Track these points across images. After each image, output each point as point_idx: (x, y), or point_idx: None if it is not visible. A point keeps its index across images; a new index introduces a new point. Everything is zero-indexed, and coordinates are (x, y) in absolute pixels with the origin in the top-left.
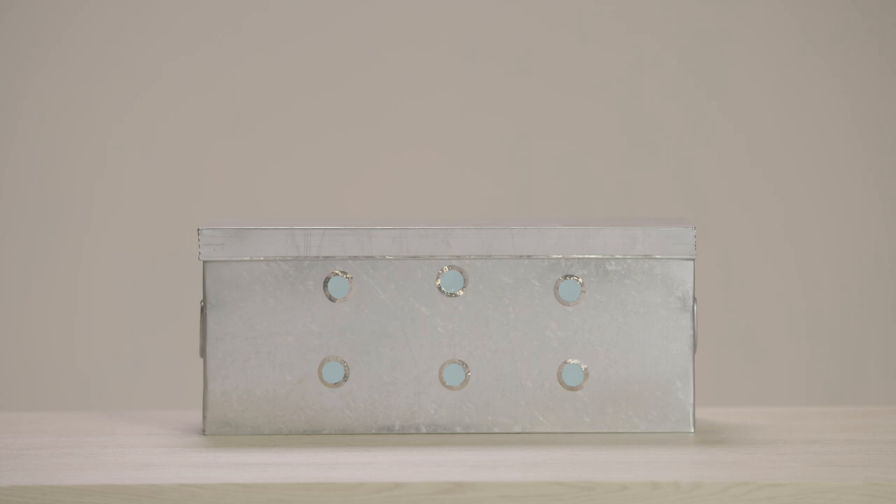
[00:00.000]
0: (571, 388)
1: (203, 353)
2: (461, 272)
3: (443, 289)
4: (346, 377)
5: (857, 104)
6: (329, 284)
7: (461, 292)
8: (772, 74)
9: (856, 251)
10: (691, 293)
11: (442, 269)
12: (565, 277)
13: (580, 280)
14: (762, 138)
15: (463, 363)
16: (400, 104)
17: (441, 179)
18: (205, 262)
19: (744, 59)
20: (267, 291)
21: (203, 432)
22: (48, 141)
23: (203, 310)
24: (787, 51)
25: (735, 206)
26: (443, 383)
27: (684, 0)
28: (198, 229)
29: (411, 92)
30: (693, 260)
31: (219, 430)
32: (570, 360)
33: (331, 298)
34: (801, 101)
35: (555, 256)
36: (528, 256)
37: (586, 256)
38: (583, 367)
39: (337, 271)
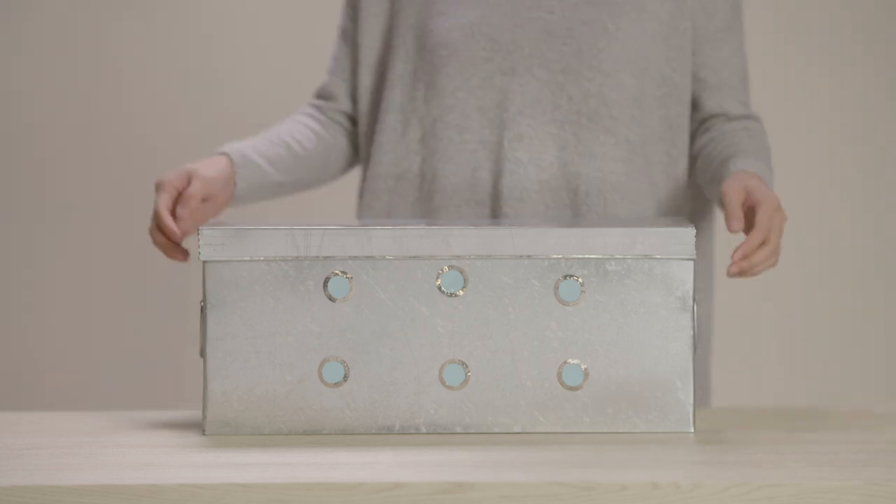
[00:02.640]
0: (571, 388)
1: (203, 353)
2: (461, 272)
3: (443, 289)
4: (346, 377)
5: (853, 106)
6: (329, 284)
7: (461, 292)
8: (771, 75)
9: (856, 252)
10: (691, 293)
11: (442, 269)
12: (565, 277)
13: (580, 280)
14: None
15: (463, 363)
16: None
17: None
18: (205, 262)
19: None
20: (267, 291)
21: (203, 432)
22: (49, 142)
23: (203, 310)
24: (786, 50)
25: None
26: (443, 383)
27: None
28: (198, 229)
29: None
30: (693, 260)
31: (219, 430)
32: (570, 360)
33: (331, 298)
34: (799, 101)
35: (555, 256)
36: (528, 256)
37: (586, 256)
38: (583, 367)
39: (337, 271)
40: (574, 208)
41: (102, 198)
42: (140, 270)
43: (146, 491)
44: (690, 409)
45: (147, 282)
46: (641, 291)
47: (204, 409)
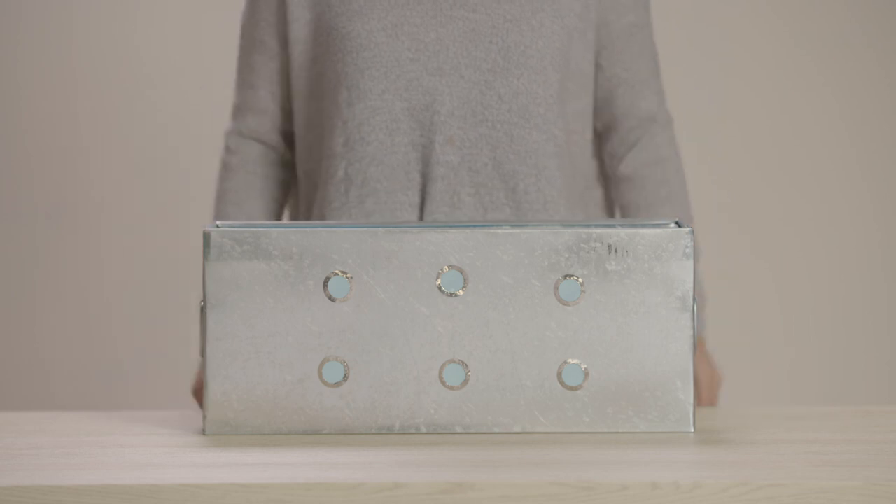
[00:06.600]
0: (571, 388)
1: (203, 353)
2: (461, 272)
3: (443, 289)
4: (346, 377)
5: (853, 108)
6: (329, 284)
7: (461, 292)
8: (771, 77)
9: (856, 253)
10: (691, 293)
11: (442, 269)
12: (565, 277)
13: (580, 280)
14: (762, 140)
15: (463, 363)
16: None
17: None
18: (205, 262)
19: (743, 62)
20: (267, 291)
21: (203, 432)
22: (51, 142)
23: (203, 310)
24: (785, 53)
25: (735, 207)
26: (443, 383)
27: (684, 3)
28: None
29: None
30: (693, 260)
31: (219, 430)
32: (570, 360)
33: (331, 298)
34: (799, 104)
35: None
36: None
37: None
38: (583, 367)
39: (337, 271)
40: (514, 208)
41: (105, 198)
42: (141, 271)
43: (146, 491)
44: (690, 409)
45: (147, 282)
46: (641, 291)
47: (204, 409)
